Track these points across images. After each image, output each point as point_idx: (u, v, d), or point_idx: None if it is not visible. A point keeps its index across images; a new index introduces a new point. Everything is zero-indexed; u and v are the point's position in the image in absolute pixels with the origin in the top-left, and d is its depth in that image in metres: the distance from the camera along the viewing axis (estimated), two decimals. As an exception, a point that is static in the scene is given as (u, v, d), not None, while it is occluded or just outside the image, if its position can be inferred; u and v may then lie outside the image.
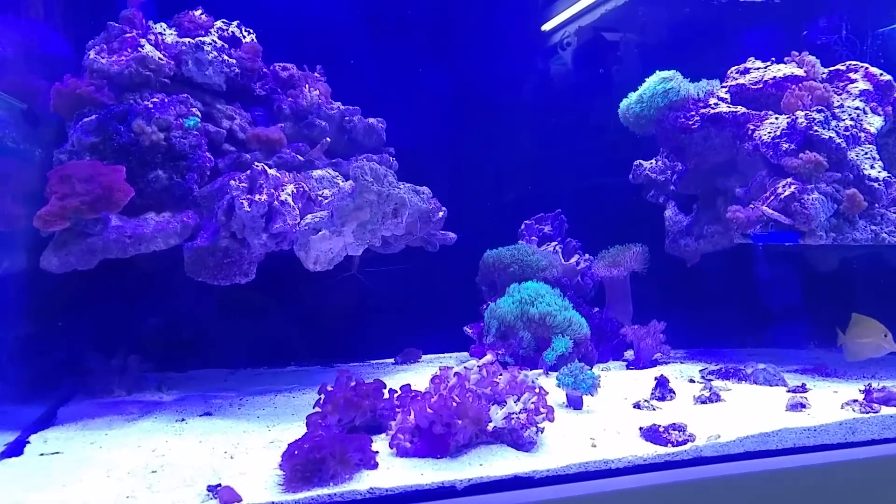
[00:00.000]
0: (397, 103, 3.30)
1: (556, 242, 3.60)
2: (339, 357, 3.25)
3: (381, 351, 3.33)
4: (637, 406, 2.30)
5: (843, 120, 2.91)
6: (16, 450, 1.82)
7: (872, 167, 2.83)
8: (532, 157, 3.82)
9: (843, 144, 2.79)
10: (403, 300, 3.27)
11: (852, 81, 3.09)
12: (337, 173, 2.84)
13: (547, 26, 3.89)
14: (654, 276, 3.38)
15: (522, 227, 3.64)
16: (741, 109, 3.05)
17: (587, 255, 3.54)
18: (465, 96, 3.55)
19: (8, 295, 2.14)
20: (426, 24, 3.51)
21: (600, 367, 3.08)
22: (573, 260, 3.48)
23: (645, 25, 3.92)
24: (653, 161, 3.63)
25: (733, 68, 3.29)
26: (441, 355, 3.41)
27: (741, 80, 3.17)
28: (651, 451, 1.81)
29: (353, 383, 1.91)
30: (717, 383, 2.62)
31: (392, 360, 3.28)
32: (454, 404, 1.72)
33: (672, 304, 3.35)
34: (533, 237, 3.60)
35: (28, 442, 1.89)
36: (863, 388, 2.35)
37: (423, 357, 3.34)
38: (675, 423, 1.95)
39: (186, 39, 2.67)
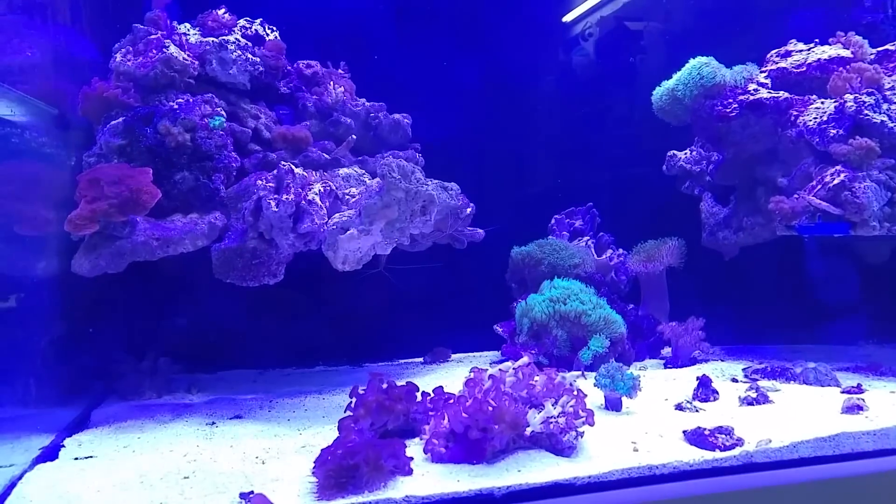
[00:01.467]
0: (422, 98, 3.25)
1: (588, 237, 3.51)
2: (368, 357, 3.23)
3: (409, 350, 3.29)
4: (679, 407, 2.20)
5: (895, 103, 2.75)
6: (51, 454, 1.82)
7: (927, 153, 2.68)
8: (561, 149, 3.75)
9: (896, 129, 2.64)
10: (432, 298, 3.22)
11: (903, 62, 2.93)
12: (363, 171, 2.80)
13: (569, 17, 3.79)
14: (691, 271, 3.27)
15: (553, 221, 3.56)
16: (783, 95, 2.91)
17: (620, 250, 3.44)
18: (491, 90, 3.49)
19: (42, 299, 2.14)
20: (450, 19, 3.46)
21: (637, 365, 2.99)
22: (606, 255, 3.39)
23: (670, 13, 3.80)
24: (687, 151, 3.51)
25: (773, 52, 3.14)
26: (471, 354, 3.36)
27: (782, 64, 3.03)
28: (697, 455, 1.72)
29: (384, 386, 1.86)
30: (764, 383, 2.51)
31: (421, 360, 3.24)
32: (490, 408, 1.66)
33: (710, 300, 3.23)
34: (564, 232, 3.52)
35: (63, 446, 1.89)
36: (922, 387, 2.22)
37: (453, 356, 3.29)
38: (721, 426, 1.85)
39: (210, 39, 2.66)
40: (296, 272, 2.48)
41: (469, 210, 2.95)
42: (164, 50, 2.42)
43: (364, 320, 3.17)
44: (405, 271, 3.01)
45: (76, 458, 1.79)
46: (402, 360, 3.25)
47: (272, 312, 2.91)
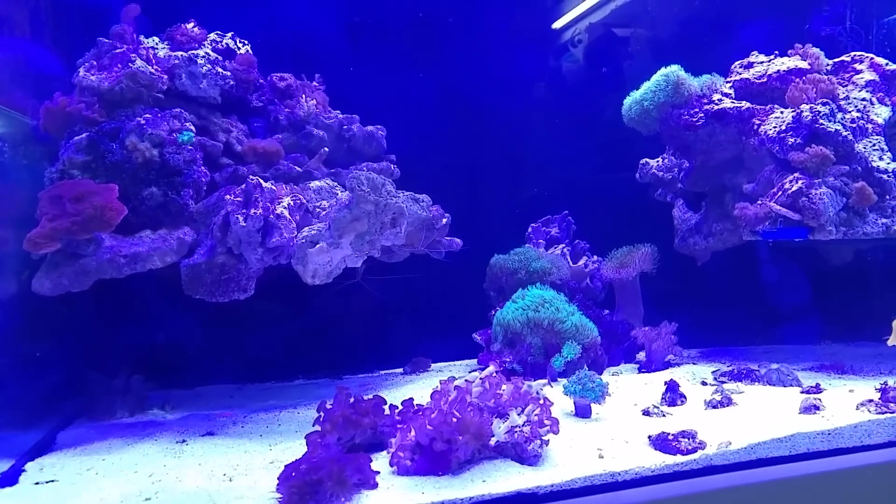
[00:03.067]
0: (399, 109, 3.26)
1: (564, 245, 3.55)
2: (348, 369, 3.21)
3: (390, 361, 3.28)
4: (647, 413, 2.24)
5: (850, 112, 2.84)
6: (10, 479, 1.78)
7: (881, 159, 2.75)
8: (538, 158, 3.77)
9: (850, 137, 2.73)
10: (412, 309, 3.23)
11: (858, 72, 3.02)
12: (336, 183, 2.81)
13: (558, 24, 3.83)
14: (665, 276, 3.32)
15: (529, 230, 3.59)
16: (745, 104, 2.98)
17: (596, 257, 3.48)
18: (469, 100, 3.50)
19: (7, 318, 2.12)
20: (429, 27, 3.47)
21: (611, 370, 3.02)
22: (581, 262, 3.43)
23: (655, 20, 3.86)
24: (659, 159, 3.57)
25: (737, 63, 3.22)
26: (451, 363, 3.36)
27: (745, 75, 3.11)
28: (659, 460, 1.75)
29: (352, 400, 1.87)
30: (730, 386, 2.55)
31: (401, 370, 3.24)
32: (454, 420, 1.68)
33: (683, 304, 3.28)
34: (540, 240, 3.55)
35: (24, 470, 1.85)
36: (879, 386, 2.27)
37: (433, 366, 3.28)
38: (684, 431, 1.89)
39: (179, 53, 2.65)
40: (274, 285, 2.47)
41: (445, 220, 2.96)
42: (130, 64, 2.41)
43: (344, 332, 3.16)
44: (384, 282, 3.01)
45: (36, 483, 1.76)
46: (383, 371, 3.24)
47: (250, 326, 2.90)
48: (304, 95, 2.96)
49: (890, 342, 2.37)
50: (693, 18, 3.78)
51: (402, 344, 3.26)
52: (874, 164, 2.73)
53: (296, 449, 1.93)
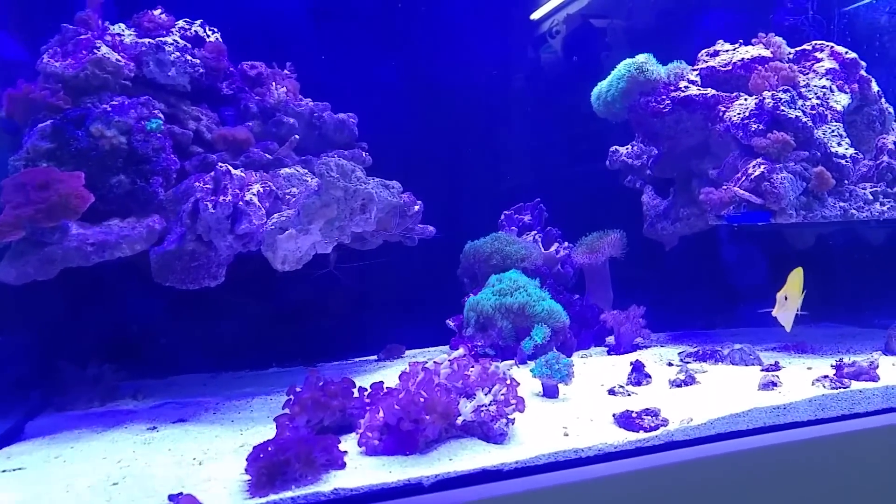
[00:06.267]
0: (372, 98, 3.26)
1: (536, 231, 3.59)
2: (322, 356, 3.21)
3: (364, 348, 3.30)
4: (612, 392, 2.29)
5: (810, 99, 2.92)
6: (-24, 467, 1.77)
7: (839, 144, 2.84)
8: (510, 147, 3.80)
9: (810, 123, 2.80)
10: (386, 296, 3.25)
11: (818, 60, 3.10)
12: (306, 171, 2.81)
13: (536, 14, 3.85)
14: (634, 261, 3.38)
15: (502, 217, 3.63)
16: (711, 92, 3.05)
17: (566, 243, 3.53)
18: (443, 89, 3.51)
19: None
20: (403, 14, 3.47)
21: (581, 353, 3.08)
22: (553, 248, 3.47)
23: (632, 11, 3.90)
24: (629, 146, 3.62)
25: (703, 51, 3.29)
26: (425, 349, 3.38)
27: (711, 63, 3.17)
28: (622, 437, 1.80)
29: (321, 383, 1.89)
30: (694, 366, 2.62)
31: (375, 357, 3.26)
32: (422, 399, 1.71)
33: (652, 288, 3.36)
34: (513, 227, 3.59)
35: (-10, 459, 1.84)
36: (835, 363, 2.36)
37: (407, 352, 3.30)
38: (648, 409, 1.94)
39: (146, 40, 2.62)
40: (248, 274, 2.47)
41: (417, 208, 2.97)
42: (94, 51, 2.38)
43: (318, 320, 3.17)
44: (358, 270, 3.02)
45: (3, 471, 1.75)
46: (357, 359, 3.25)
47: (223, 314, 2.89)
48: (274, 83, 2.95)
49: (774, 313, 2.40)
50: (668, 9, 3.83)
51: (376, 331, 3.28)
52: (833, 150, 2.81)
53: (267, 433, 1.93)
